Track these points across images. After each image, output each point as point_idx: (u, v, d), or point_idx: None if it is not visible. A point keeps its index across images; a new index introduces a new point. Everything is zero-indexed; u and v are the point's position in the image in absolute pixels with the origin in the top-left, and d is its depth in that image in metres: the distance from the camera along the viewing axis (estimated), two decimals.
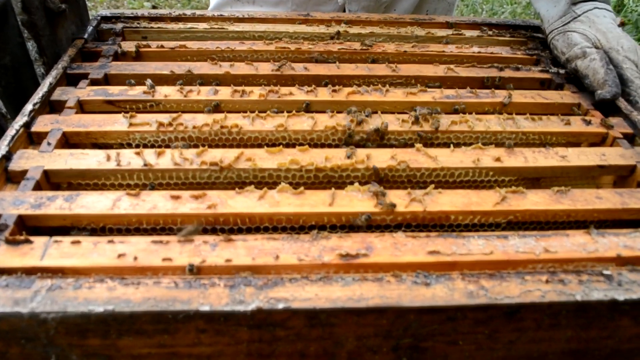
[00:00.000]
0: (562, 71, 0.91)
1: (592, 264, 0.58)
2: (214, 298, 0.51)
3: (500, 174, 0.72)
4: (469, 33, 1.01)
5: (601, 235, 0.61)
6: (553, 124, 0.79)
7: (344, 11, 1.20)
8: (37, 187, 0.65)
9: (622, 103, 0.83)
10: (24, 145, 0.72)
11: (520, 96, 0.85)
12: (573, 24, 0.90)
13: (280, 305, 0.50)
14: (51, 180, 0.68)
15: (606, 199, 0.67)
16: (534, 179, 0.76)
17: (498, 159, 0.71)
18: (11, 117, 0.92)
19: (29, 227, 0.61)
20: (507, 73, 0.90)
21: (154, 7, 3.32)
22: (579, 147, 0.79)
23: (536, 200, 0.66)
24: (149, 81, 0.80)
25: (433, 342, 0.56)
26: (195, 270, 0.54)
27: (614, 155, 0.74)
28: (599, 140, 0.80)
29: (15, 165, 0.67)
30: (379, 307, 0.52)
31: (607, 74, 0.83)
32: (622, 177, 0.75)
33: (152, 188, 0.68)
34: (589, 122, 0.80)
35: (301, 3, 1.19)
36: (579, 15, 0.90)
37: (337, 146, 0.75)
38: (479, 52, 0.95)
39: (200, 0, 3.28)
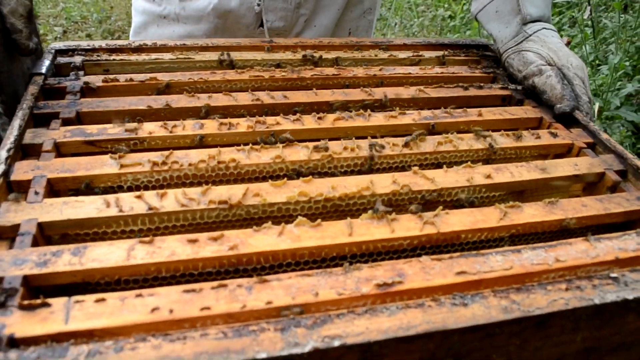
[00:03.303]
0: (519, 87, 0.97)
1: (596, 268, 0.63)
2: (268, 344, 0.49)
3: (492, 189, 0.76)
4: (427, 54, 1.06)
5: (598, 240, 0.66)
6: (525, 139, 0.85)
7: (262, 25, 1.21)
8: (34, 242, 0.60)
9: (579, 115, 0.90)
10: (3, 196, 0.66)
11: (490, 113, 0.90)
12: (526, 43, 0.97)
13: (336, 343, 0.50)
14: (45, 233, 0.63)
15: (590, 206, 0.72)
16: (519, 191, 0.81)
17: (488, 176, 0.75)
18: None
19: (32, 287, 0.56)
20: (472, 92, 0.95)
21: (64, 32, 3.14)
22: (546, 159, 0.85)
23: (533, 213, 0.70)
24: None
25: (470, 358, 0.58)
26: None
27: (585, 165, 0.81)
28: (565, 151, 0.86)
29: (4, 219, 0.61)
30: (427, 332, 0.53)
31: (563, 88, 0.90)
32: (591, 184, 0.82)
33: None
34: (555, 135, 0.86)
35: (221, 16, 1.19)
36: (530, 35, 0.97)
37: (333, 174, 0.76)
38: (442, 73, 0.99)
39: (113, 23, 3.16)
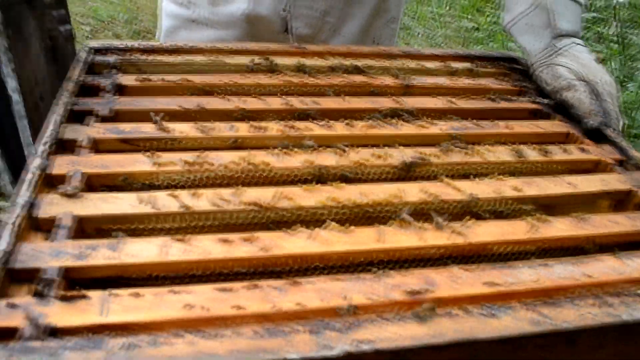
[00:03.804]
0: (549, 101, 0.98)
1: (625, 286, 0.63)
2: (301, 345, 0.50)
3: (520, 202, 0.76)
4: (455, 65, 1.06)
5: (629, 258, 0.66)
6: (554, 153, 0.85)
7: (286, 31, 1.22)
8: (72, 235, 0.61)
9: (608, 131, 0.90)
10: (42, 189, 0.67)
11: (518, 126, 0.90)
12: (557, 57, 0.97)
13: (367, 347, 0.51)
14: (81, 227, 0.64)
15: (621, 223, 0.72)
16: (548, 205, 0.81)
17: (517, 189, 0.76)
18: None
19: (68, 279, 0.58)
20: (502, 104, 0.96)
21: (92, 31, 3.19)
22: (574, 174, 0.85)
23: (562, 228, 0.70)
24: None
25: None
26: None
27: (614, 181, 0.81)
28: (594, 167, 0.86)
29: (43, 212, 0.63)
30: (457, 341, 0.53)
31: (593, 104, 0.90)
32: (619, 201, 0.82)
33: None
34: (584, 150, 0.86)
35: (250, 21, 1.20)
36: (561, 50, 0.97)
37: (363, 181, 0.77)
38: (471, 84, 1.00)
39: (139, 23, 3.21)
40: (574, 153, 0.86)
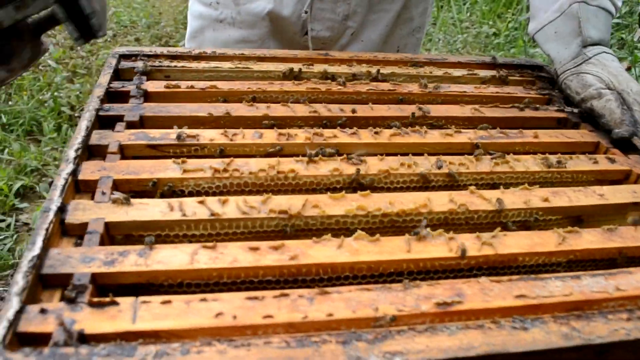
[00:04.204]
0: (576, 110, 0.96)
1: None
2: (330, 356, 0.50)
3: (548, 213, 0.75)
4: (481, 73, 1.06)
5: None
6: (583, 163, 0.84)
7: (306, 33, 1.22)
8: (101, 241, 0.62)
9: (637, 141, 0.89)
10: (72, 194, 0.68)
11: (546, 135, 0.89)
12: (585, 65, 0.96)
13: (397, 359, 0.50)
14: (110, 233, 0.65)
15: None
16: (576, 216, 0.80)
17: (546, 200, 0.75)
18: None
19: (98, 285, 0.58)
20: (528, 113, 0.95)
21: (114, 36, 3.23)
22: (603, 184, 0.84)
23: (591, 239, 0.69)
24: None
25: None
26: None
27: None
28: (623, 177, 0.85)
29: (73, 217, 0.63)
30: (488, 354, 0.52)
31: (623, 113, 0.89)
32: None
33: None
34: (613, 160, 0.85)
35: (274, 21, 1.23)
36: (590, 58, 0.96)
37: (391, 189, 0.76)
38: (497, 92, 0.99)
39: (161, 28, 3.23)
40: (602, 163, 0.84)
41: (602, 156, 0.86)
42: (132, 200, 0.66)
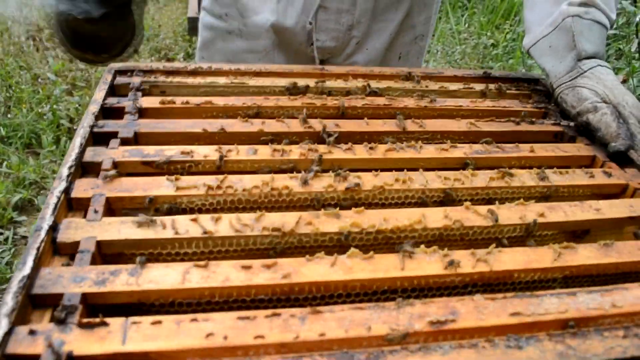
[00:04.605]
0: (572, 124, 0.96)
1: None
2: None
3: (544, 228, 0.75)
4: (477, 86, 1.06)
5: None
6: (579, 177, 0.83)
7: (312, 44, 1.23)
8: (93, 260, 0.61)
9: (634, 155, 0.89)
10: (64, 213, 0.68)
11: (542, 149, 0.89)
12: (581, 79, 0.96)
13: None
14: (102, 252, 0.64)
15: None
16: (573, 231, 0.79)
17: (542, 215, 0.74)
18: None
19: (88, 305, 0.58)
20: (524, 127, 0.94)
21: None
22: (599, 198, 0.83)
23: (587, 255, 0.69)
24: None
25: None
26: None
27: None
28: (620, 191, 0.84)
29: (64, 236, 0.63)
30: None
31: (619, 127, 0.88)
32: None
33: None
34: (609, 174, 0.85)
35: (278, 32, 1.26)
36: (585, 72, 0.96)
37: (385, 205, 0.76)
38: (493, 106, 0.99)
39: (160, 41, 3.24)
40: (599, 177, 0.84)
41: (599, 170, 0.86)
42: (124, 217, 0.66)
